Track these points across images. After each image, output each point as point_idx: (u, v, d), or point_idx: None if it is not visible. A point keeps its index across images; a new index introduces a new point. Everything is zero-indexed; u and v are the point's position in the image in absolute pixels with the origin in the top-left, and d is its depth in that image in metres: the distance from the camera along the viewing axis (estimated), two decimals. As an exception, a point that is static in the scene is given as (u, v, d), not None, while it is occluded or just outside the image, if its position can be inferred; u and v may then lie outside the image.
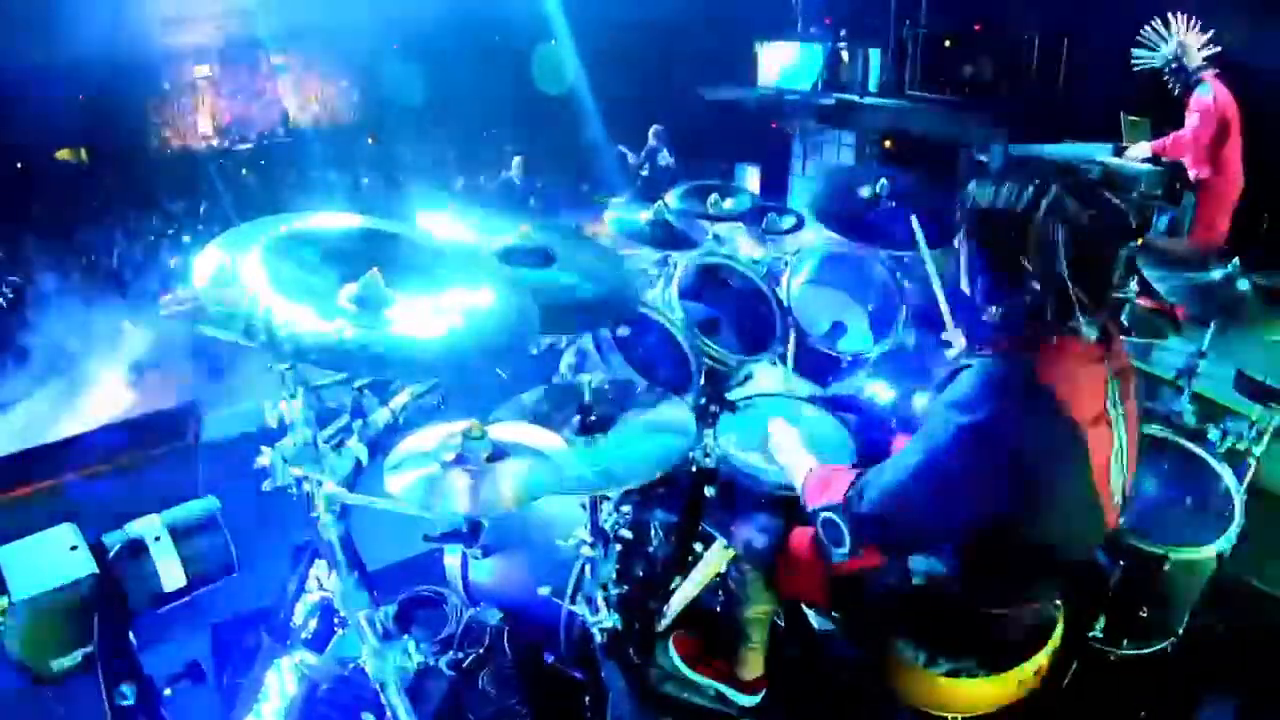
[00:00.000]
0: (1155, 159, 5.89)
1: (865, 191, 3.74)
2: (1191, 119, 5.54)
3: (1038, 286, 1.71)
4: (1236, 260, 2.83)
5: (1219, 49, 5.52)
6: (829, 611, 2.55)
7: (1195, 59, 5.52)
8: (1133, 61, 5.72)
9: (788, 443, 2.35)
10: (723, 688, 2.62)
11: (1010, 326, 1.80)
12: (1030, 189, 1.70)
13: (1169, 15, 5.56)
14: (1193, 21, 5.51)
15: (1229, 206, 5.64)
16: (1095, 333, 1.77)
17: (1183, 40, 5.52)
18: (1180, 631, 2.79)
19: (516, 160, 10.00)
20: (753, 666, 2.60)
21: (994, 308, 1.82)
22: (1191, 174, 5.60)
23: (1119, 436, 1.87)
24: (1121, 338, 1.98)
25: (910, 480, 1.81)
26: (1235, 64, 5.62)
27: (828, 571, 2.13)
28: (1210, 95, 5.46)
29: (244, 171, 10.49)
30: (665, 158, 9.65)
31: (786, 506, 2.47)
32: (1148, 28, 5.63)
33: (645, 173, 9.69)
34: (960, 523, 1.83)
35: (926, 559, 2.07)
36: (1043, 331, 1.75)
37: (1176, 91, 5.67)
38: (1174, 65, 5.58)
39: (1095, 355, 1.80)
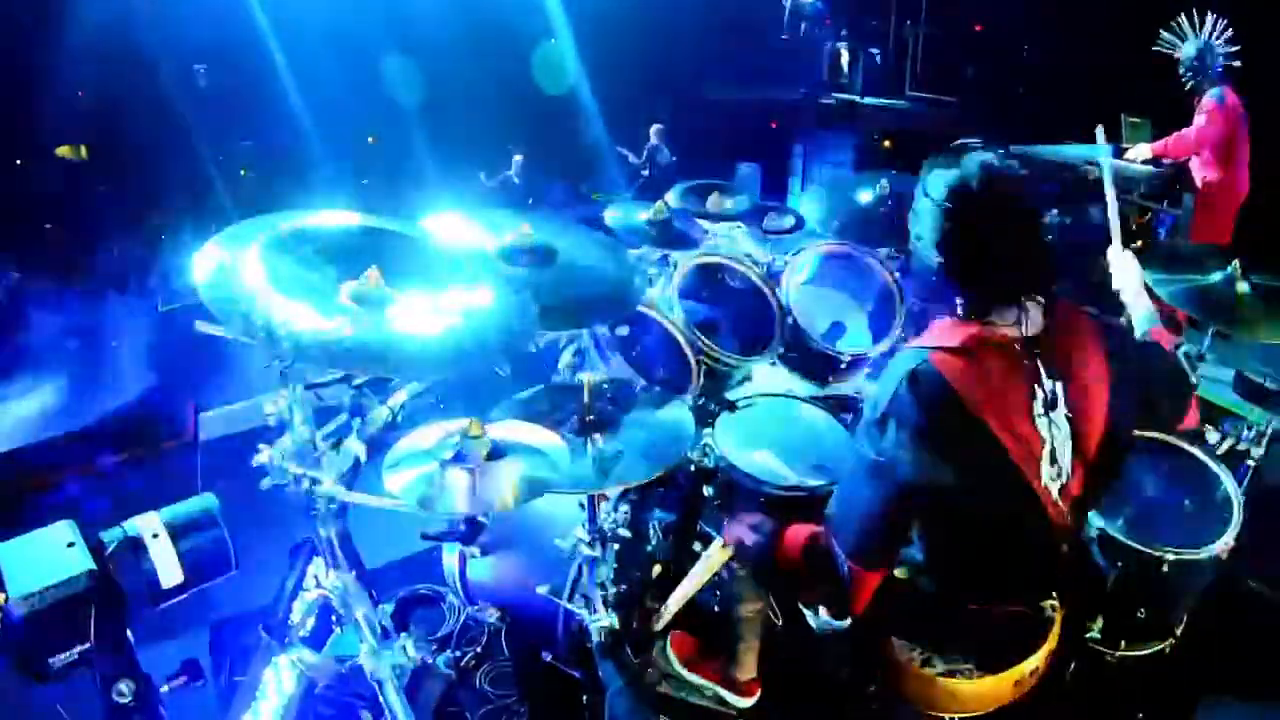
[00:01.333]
0: (1156, 160, 5.89)
1: (866, 193, 3.76)
2: (1199, 119, 5.53)
3: (956, 278, 1.81)
4: (1236, 262, 2.83)
5: (1240, 60, 5.51)
6: (822, 610, 2.54)
7: (1216, 63, 5.50)
8: (1156, 45, 5.67)
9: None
10: (718, 689, 2.62)
11: (936, 317, 1.89)
12: (947, 177, 1.80)
13: (1204, 14, 5.53)
14: (1222, 24, 5.49)
15: (1235, 209, 5.63)
16: (1019, 330, 1.82)
17: (1207, 42, 5.50)
18: (1178, 633, 2.79)
19: (517, 159, 9.99)
20: (747, 668, 2.59)
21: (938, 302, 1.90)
22: (1199, 176, 5.59)
23: (1050, 438, 1.85)
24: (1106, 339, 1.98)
25: (850, 481, 1.89)
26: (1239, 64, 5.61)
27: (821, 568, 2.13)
28: (1220, 99, 5.45)
29: (243, 171, 10.48)
30: (666, 156, 9.63)
31: (782, 506, 2.47)
32: (1180, 18, 5.58)
33: (646, 172, 9.66)
34: (893, 505, 1.83)
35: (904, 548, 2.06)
36: (964, 318, 1.83)
37: (1188, 88, 5.64)
38: (1195, 63, 5.56)
39: (1019, 355, 1.82)
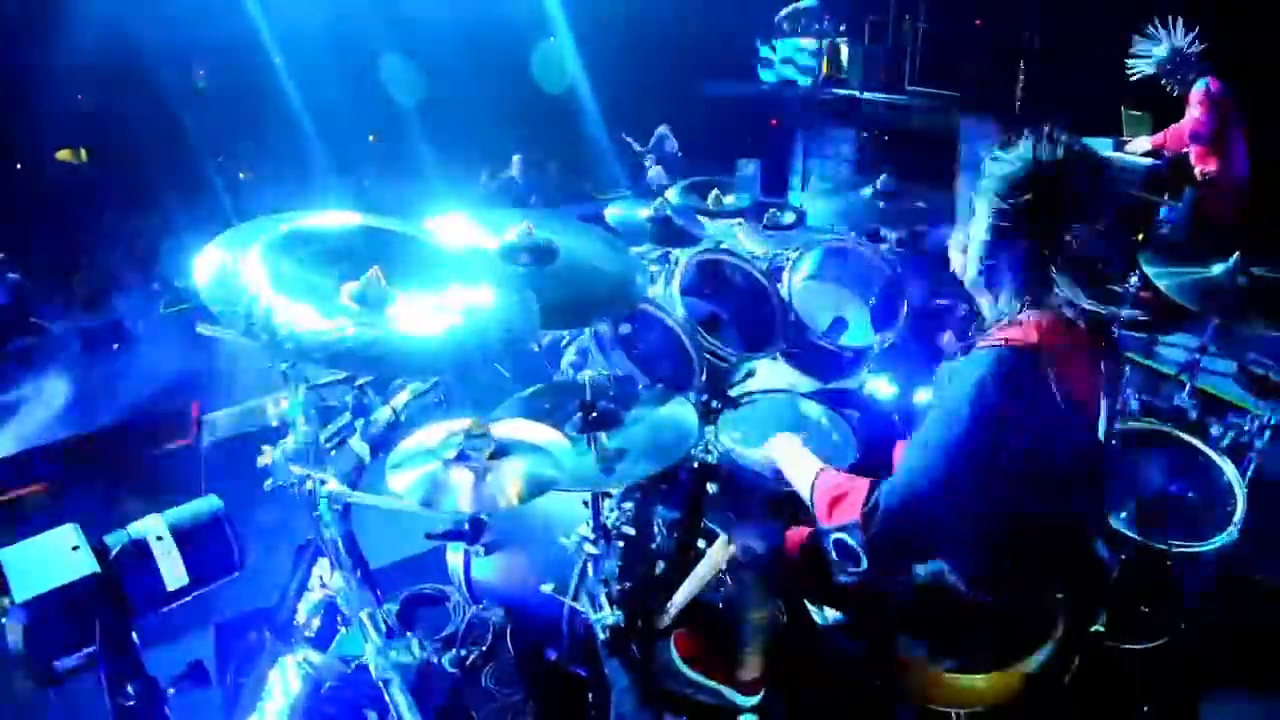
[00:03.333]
0: (1156, 153, 5.89)
1: (866, 189, 3.76)
2: (1191, 111, 5.54)
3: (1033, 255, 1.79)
4: (1237, 255, 2.83)
5: (1212, 50, 5.51)
6: (830, 608, 2.54)
7: (1189, 62, 5.52)
8: (1128, 72, 5.72)
9: (790, 451, 2.30)
10: (722, 689, 2.62)
11: (1009, 310, 1.85)
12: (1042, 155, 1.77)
13: (1163, 20, 5.55)
14: (1183, 24, 5.50)
15: (1235, 199, 5.62)
16: (1082, 318, 1.83)
17: (1175, 45, 5.52)
18: (1182, 627, 2.79)
19: (516, 159, 9.97)
20: (751, 667, 2.59)
21: (995, 291, 1.89)
22: (1198, 169, 5.59)
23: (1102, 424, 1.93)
24: (1117, 333, 2.02)
25: (925, 485, 1.80)
26: (1235, 59, 5.60)
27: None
28: (1205, 88, 5.46)
29: (241, 174, 10.49)
30: (673, 145, 9.53)
31: (787, 505, 2.47)
32: (1139, 37, 5.62)
33: (649, 163, 9.60)
34: (974, 521, 1.82)
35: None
36: (1034, 307, 1.81)
37: (1175, 92, 5.66)
38: (1168, 68, 5.58)
39: (1092, 344, 1.87)
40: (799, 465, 2.23)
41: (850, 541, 1.88)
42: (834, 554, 1.92)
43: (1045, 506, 1.86)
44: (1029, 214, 1.77)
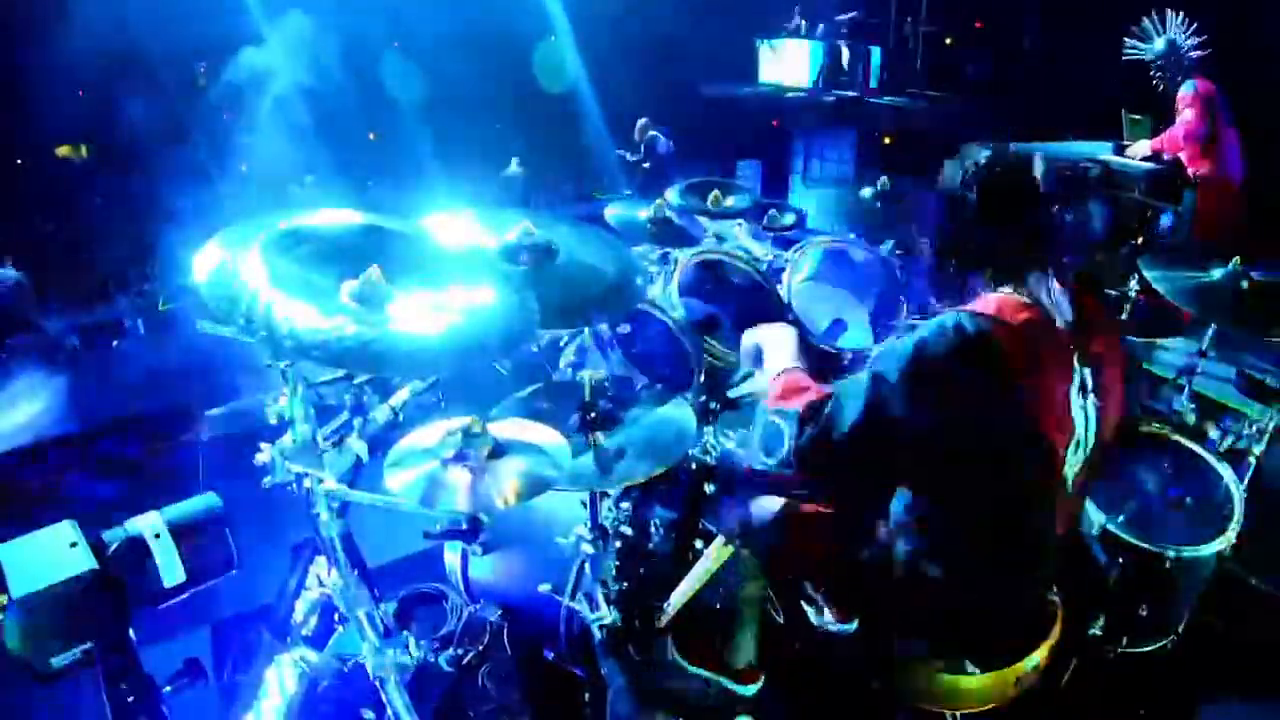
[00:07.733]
0: (1156, 157, 5.89)
1: (866, 191, 3.76)
2: (1183, 115, 5.56)
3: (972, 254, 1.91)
4: (1237, 259, 2.83)
5: (1209, 51, 5.54)
6: (824, 593, 2.53)
7: (1184, 60, 5.55)
8: (1123, 52, 5.74)
9: (777, 338, 2.26)
10: (720, 679, 2.61)
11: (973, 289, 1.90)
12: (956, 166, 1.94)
13: (1165, 11, 5.58)
14: (1186, 21, 5.53)
15: (1230, 201, 5.63)
16: (1066, 314, 1.84)
17: (1174, 39, 5.55)
18: (1180, 630, 2.79)
19: (514, 161, 9.97)
20: (743, 653, 2.58)
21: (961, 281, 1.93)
22: (1190, 171, 5.60)
23: (1079, 426, 1.88)
24: (1120, 336, 1.99)
25: (862, 415, 1.79)
26: (1232, 60, 5.63)
27: (826, 553, 2.12)
28: (1193, 90, 5.48)
29: (242, 167, 10.49)
30: (664, 145, 9.49)
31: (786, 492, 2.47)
32: (1144, 20, 5.65)
33: (647, 165, 9.57)
34: (896, 468, 1.85)
35: (906, 540, 2.04)
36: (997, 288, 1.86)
37: (1162, 88, 5.70)
38: (1162, 62, 5.62)
39: (1062, 339, 1.84)
40: (779, 351, 2.20)
41: (782, 425, 1.88)
42: (762, 434, 1.93)
43: (992, 494, 1.85)
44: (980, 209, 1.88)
